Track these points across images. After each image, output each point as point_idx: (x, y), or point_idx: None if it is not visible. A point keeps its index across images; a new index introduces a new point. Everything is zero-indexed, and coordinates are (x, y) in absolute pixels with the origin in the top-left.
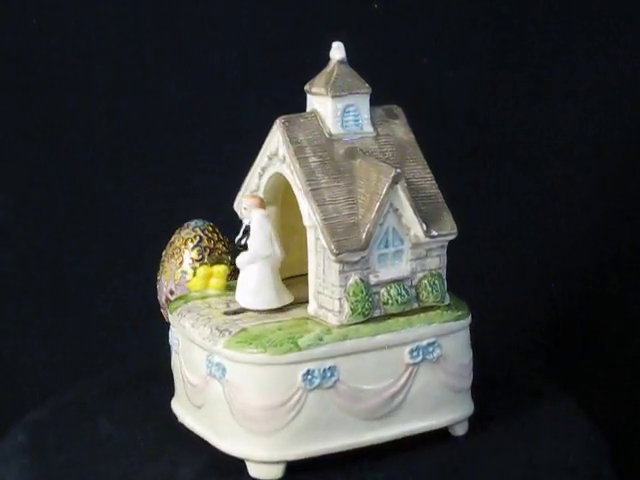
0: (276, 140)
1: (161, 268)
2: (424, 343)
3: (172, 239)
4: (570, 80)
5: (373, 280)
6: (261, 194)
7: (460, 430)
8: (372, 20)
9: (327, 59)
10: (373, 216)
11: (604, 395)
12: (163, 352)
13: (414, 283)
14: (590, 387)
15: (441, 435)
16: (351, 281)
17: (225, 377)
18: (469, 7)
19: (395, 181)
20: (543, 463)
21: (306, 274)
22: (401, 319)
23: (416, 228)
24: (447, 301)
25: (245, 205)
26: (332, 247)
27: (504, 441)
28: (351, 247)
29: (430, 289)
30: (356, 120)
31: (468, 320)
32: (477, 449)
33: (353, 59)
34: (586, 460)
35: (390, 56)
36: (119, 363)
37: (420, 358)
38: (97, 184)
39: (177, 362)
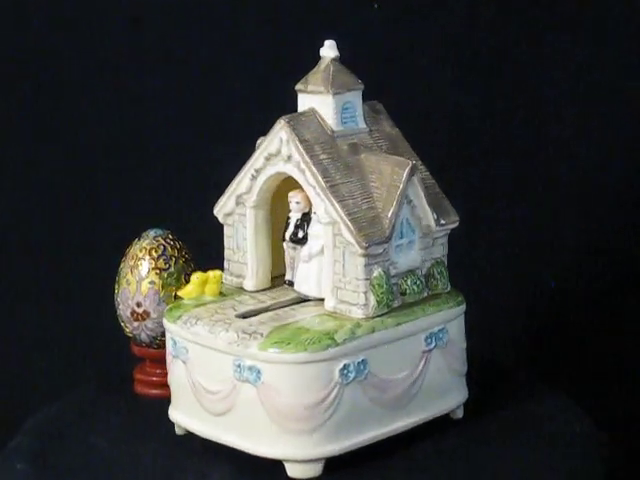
0: (278, 140)
1: (122, 281)
2: (436, 330)
3: (131, 250)
4: (570, 79)
5: (393, 271)
6: (254, 196)
7: (459, 413)
8: (372, 20)
9: (307, 59)
10: (394, 208)
11: (604, 394)
12: (129, 365)
13: (424, 272)
14: (590, 386)
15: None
16: (375, 274)
17: (260, 380)
18: (469, 7)
19: (412, 173)
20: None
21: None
22: (416, 308)
23: (428, 218)
24: (449, 288)
25: (297, 200)
26: (360, 240)
27: (506, 433)
28: (377, 240)
29: (438, 277)
30: (352, 117)
31: (465, 305)
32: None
33: (353, 60)
34: (583, 446)
35: (390, 56)
36: (86, 380)
37: (433, 345)
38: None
39: (183, 372)
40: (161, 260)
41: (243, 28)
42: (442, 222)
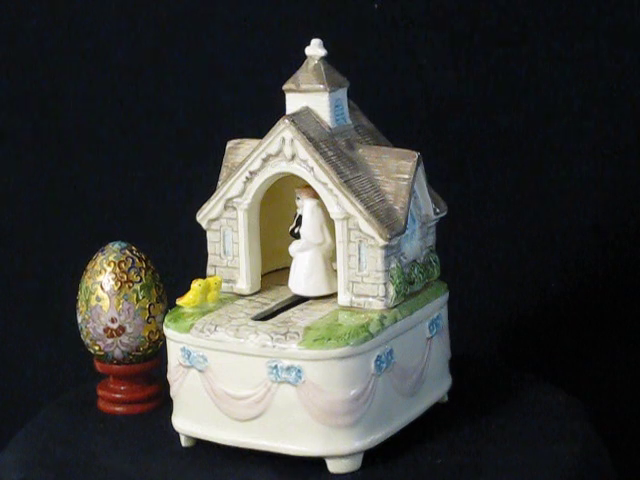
0: (280, 140)
1: (91, 298)
2: (435, 316)
3: (96, 265)
4: (569, 79)
5: (404, 262)
6: (249, 199)
7: (446, 397)
8: (372, 20)
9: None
10: (407, 199)
11: (604, 395)
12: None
13: (422, 261)
14: (590, 387)
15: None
16: (392, 265)
17: (301, 379)
18: (469, 7)
19: (418, 164)
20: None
21: (278, 269)
22: (420, 296)
23: (428, 208)
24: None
25: (298, 196)
26: (383, 233)
27: (505, 432)
28: (396, 231)
29: (434, 264)
30: (342, 114)
31: (448, 292)
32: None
33: (353, 59)
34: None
35: (390, 57)
36: (48, 400)
37: (435, 331)
38: None
39: (199, 381)
40: (132, 273)
41: (235, 30)
42: (437, 211)
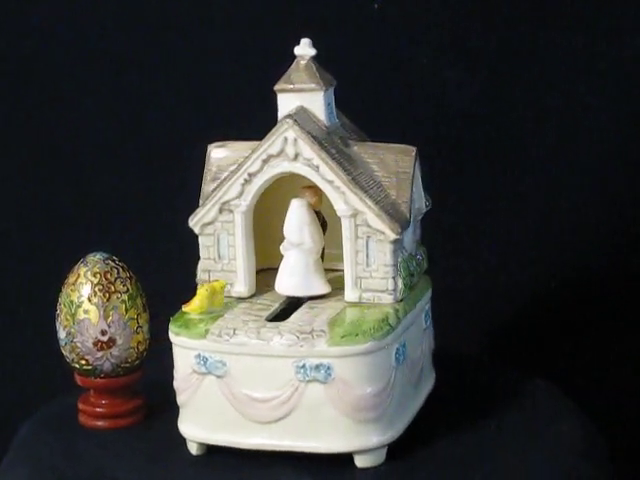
0: (282, 140)
1: (78, 311)
2: (427, 308)
3: (81, 278)
4: (571, 78)
5: (405, 255)
6: (248, 200)
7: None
8: (372, 20)
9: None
10: (409, 194)
11: (604, 395)
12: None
13: (415, 253)
14: (590, 387)
15: None
16: (399, 259)
17: (331, 376)
18: (469, 7)
19: (416, 158)
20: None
21: (270, 268)
22: (417, 288)
23: (420, 202)
24: None
25: (302, 196)
26: (394, 227)
27: (503, 432)
28: (404, 226)
29: (424, 256)
30: (332, 112)
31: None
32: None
33: (354, 58)
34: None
35: (390, 56)
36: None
37: (428, 322)
38: None
39: (216, 387)
40: (118, 283)
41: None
42: (427, 204)
